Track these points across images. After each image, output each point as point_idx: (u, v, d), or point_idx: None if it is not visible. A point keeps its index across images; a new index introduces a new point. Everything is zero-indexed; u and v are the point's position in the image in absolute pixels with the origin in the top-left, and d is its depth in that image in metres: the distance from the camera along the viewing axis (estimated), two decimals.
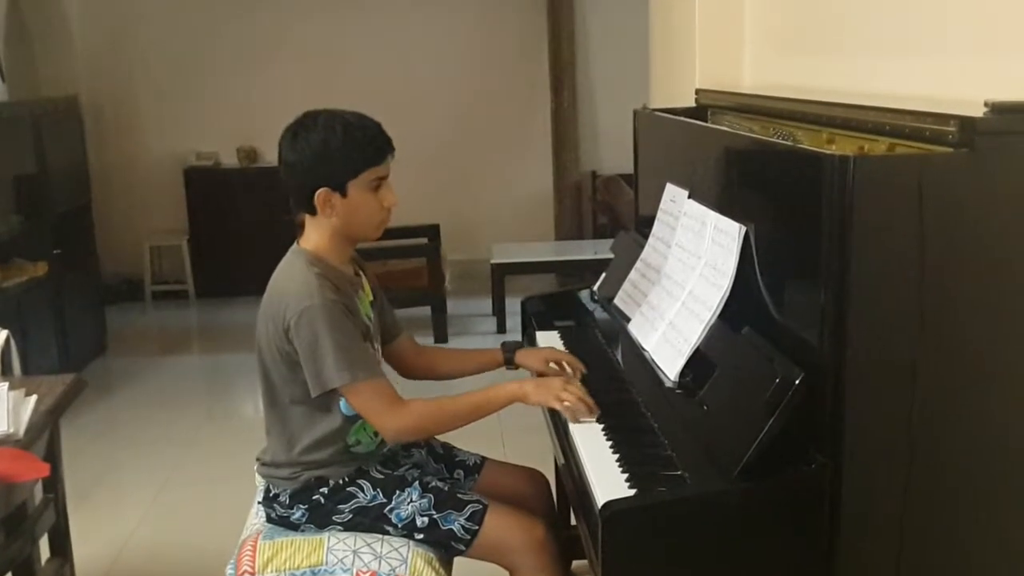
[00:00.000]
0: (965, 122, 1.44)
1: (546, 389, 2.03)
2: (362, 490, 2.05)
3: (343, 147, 1.95)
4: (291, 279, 1.98)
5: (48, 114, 5.15)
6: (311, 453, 2.04)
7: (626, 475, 1.74)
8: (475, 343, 5.54)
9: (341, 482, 2.05)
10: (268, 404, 2.08)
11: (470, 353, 2.45)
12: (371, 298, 2.16)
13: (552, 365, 2.26)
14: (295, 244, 2.07)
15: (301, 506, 2.05)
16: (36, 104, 5.18)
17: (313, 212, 2.01)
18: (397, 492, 2.04)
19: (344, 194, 1.98)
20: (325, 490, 2.05)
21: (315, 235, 2.04)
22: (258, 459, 2.15)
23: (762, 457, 1.52)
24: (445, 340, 5.52)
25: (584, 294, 2.71)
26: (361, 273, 2.17)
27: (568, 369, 2.23)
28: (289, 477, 2.06)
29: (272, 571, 1.99)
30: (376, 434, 2.10)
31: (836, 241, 1.46)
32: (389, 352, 2.30)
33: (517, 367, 2.34)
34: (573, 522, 2.30)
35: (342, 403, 2.01)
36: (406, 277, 5.59)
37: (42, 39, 6.10)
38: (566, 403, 1.99)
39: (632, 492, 1.67)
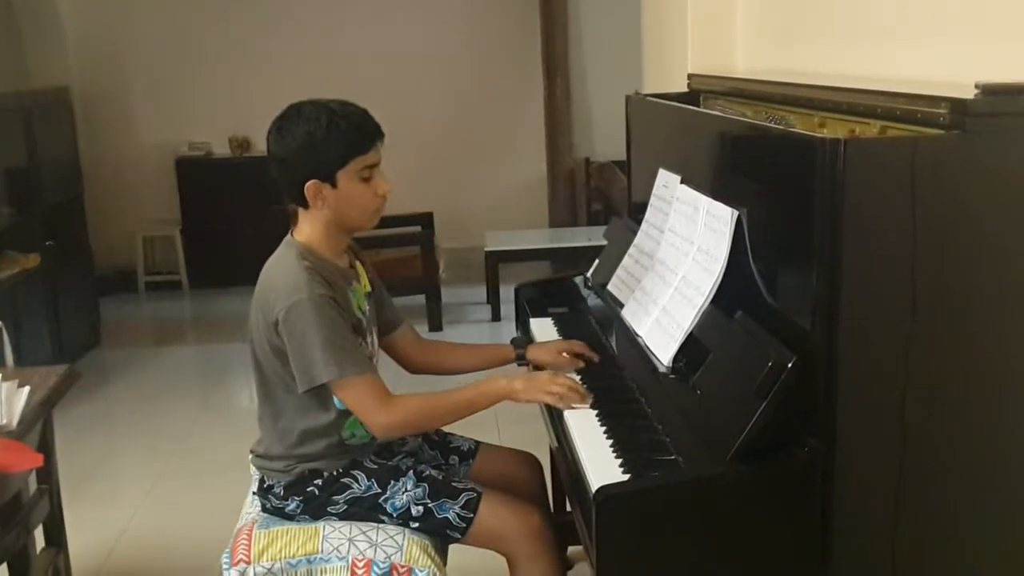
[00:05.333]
0: (956, 104, 1.43)
1: (534, 386, 2.03)
2: (356, 481, 2.04)
3: (328, 137, 1.92)
4: (281, 273, 1.96)
5: (39, 106, 5.13)
6: (304, 446, 2.03)
7: (620, 460, 1.74)
8: (470, 331, 5.55)
9: (335, 473, 2.05)
10: (262, 395, 2.07)
11: (477, 348, 2.43)
12: (368, 289, 2.15)
13: (565, 355, 2.25)
14: (288, 235, 2.05)
15: (296, 498, 2.05)
16: (26, 96, 5.15)
17: (305, 205, 1.99)
18: (392, 482, 2.04)
19: (334, 185, 1.95)
20: (319, 482, 2.04)
21: (308, 227, 2.02)
22: (252, 451, 2.14)
23: (755, 441, 1.53)
24: (440, 328, 5.52)
25: (578, 281, 2.71)
26: (358, 264, 2.16)
27: (581, 359, 2.23)
28: (283, 470, 2.05)
29: (267, 560, 1.99)
30: None
31: (828, 224, 1.46)
32: (389, 344, 2.28)
33: (528, 363, 2.33)
34: (568, 508, 2.31)
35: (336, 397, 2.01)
36: (400, 266, 5.59)
37: (32, 30, 6.05)
38: (556, 394, 2.00)
39: (626, 477, 1.68)
